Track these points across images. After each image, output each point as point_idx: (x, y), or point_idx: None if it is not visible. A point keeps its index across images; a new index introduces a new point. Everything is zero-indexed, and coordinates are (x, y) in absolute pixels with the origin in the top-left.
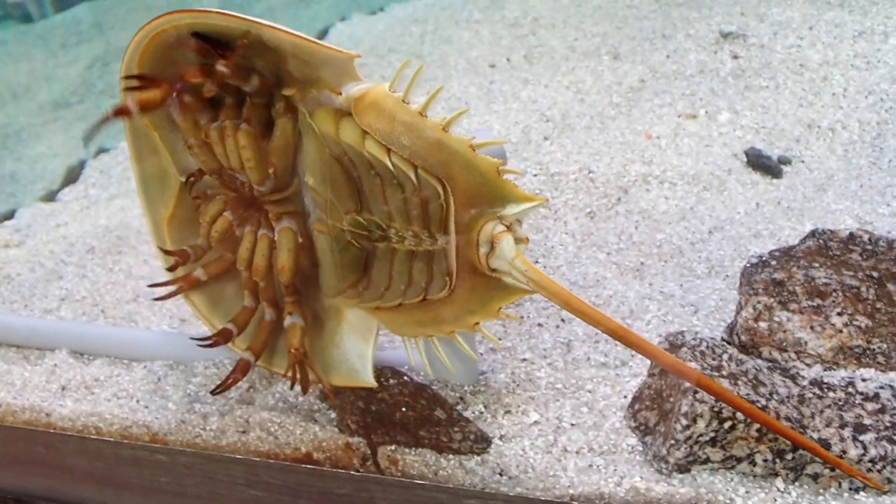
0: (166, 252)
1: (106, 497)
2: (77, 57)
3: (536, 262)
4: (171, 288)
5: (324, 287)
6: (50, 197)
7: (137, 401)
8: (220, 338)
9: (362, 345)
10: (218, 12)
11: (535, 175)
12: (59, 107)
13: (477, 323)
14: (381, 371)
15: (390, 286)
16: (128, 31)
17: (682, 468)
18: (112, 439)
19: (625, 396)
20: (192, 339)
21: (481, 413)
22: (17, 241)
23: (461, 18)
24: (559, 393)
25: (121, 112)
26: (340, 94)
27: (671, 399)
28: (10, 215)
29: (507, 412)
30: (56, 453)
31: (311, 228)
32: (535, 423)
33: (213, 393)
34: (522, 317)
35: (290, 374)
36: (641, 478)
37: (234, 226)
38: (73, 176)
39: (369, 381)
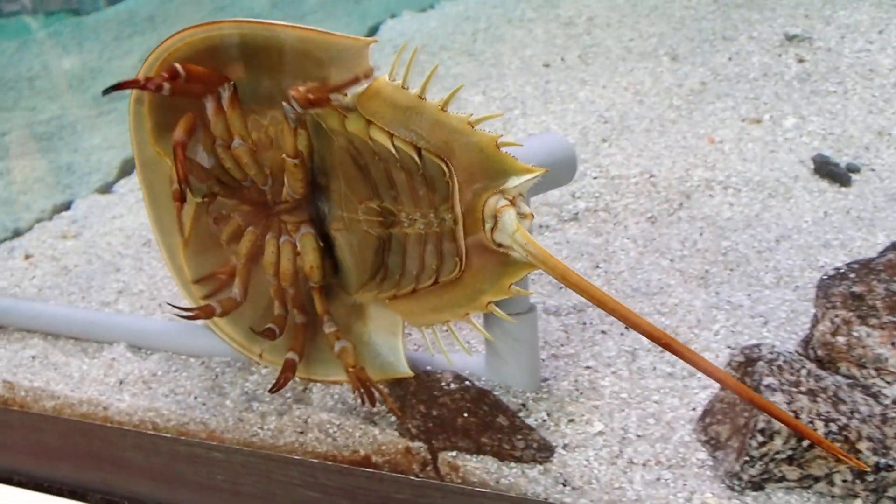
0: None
1: (161, 493)
2: (130, 49)
3: (597, 266)
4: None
5: (347, 285)
6: (106, 189)
7: (195, 397)
8: (268, 335)
9: (392, 338)
10: (232, 21)
11: (595, 178)
12: (113, 99)
13: (490, 302)
14: (441, 375)
15: (404, 272)
16: (180, 24)
17: (756, 486)
18: (169, 435)
19: (693, 409)
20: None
21: (544, 421)
22: (75, 232)
23: (514, 17)
24: (624, 403)
25: (170, 76)
26: (346, 94)
27: (745, 414)
28: (67, 206)
29: (571, 421)
30: (112, 447)
31: (329, 230)
32: (600, 433)
33: (270, 391)
34: (585, 323)
35: (356, 392)
36: (712, 494)
37: (258, 237)
38: (128, 168)
39: (405, 371)
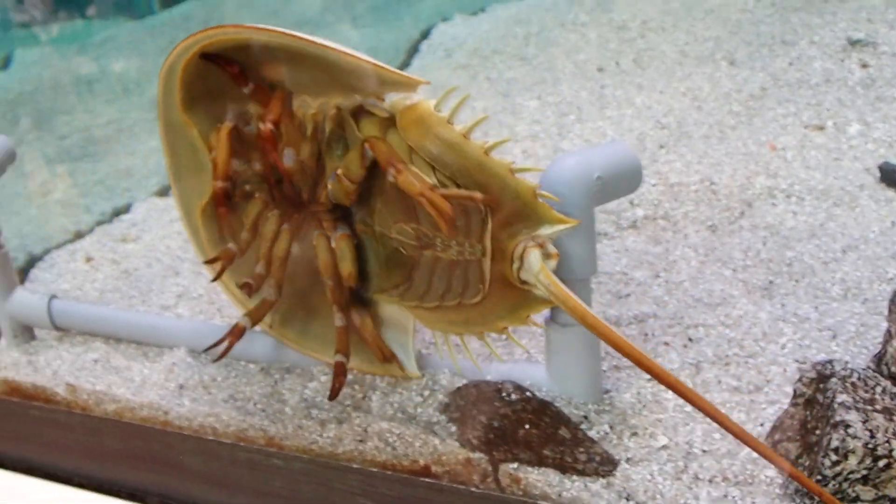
0: (211, 261)
1: (219, 498)
2: None
3: (657, 275)
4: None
5: (367, 283)
6: (164, 192)
7: (254, 403)
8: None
9: (402, 335)
10: (257, 28)
11: (654, 185)
12: None
13: (505, 327)
14: (502, 386)
15: (430, 290)
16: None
17: None
18: (228, 441)
19: (761, 424)
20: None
21: (606, 434)
22: (134, 235)
23: (567, 20)
24: (689, 416)
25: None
26: (384, 99)
27: (817, 431)
28: (126, 209)
29: (634, 434)
30: (172, 452)
31: (355, 228)
32: (664, 447)
33: (330, 399)
34: (647, 334)
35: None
36: None
37: (293, 235)
38: None
39: (413, 371)
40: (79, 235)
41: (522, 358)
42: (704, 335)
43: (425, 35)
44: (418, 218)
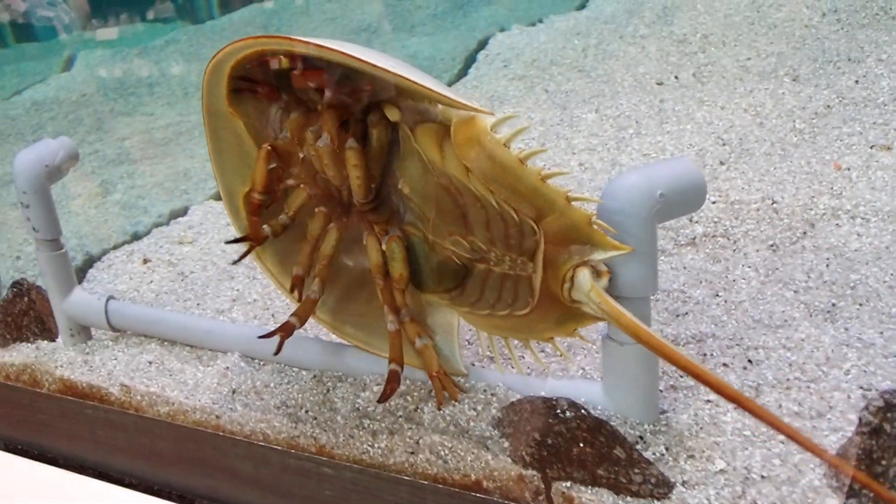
0: (232, 242)
1: None
2: None
3: (717, 294)
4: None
5: (417, 283)
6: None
7: (306, 411)
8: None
9: (448, 333)
10: (318, 46)
11: (714, 202)
12: None
13: (551, 337)
14: (557, 402)
15: (482, 299)
16: (294, 34)
17: None
18: (279, 447)
19: (823, 451)
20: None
21: (662, 455)
22: (191, 238)
23: (626, 33)
24: (747, 441)
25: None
26: (437, 108)
27: (883, 461)
28: (183, 212)
29: (691, 456)
30: (223, 456)
31: (405, 230)
32: (721, 471)
33: (379, 401)
34: (705, 354)
35: (437, 395)
36: None
37: (340, 235)
38: None
39: (459, 369)
40: (136, 237)
41: (577, 374)
42: (765, 357)
43: (483, 45)
44: (474, 231)
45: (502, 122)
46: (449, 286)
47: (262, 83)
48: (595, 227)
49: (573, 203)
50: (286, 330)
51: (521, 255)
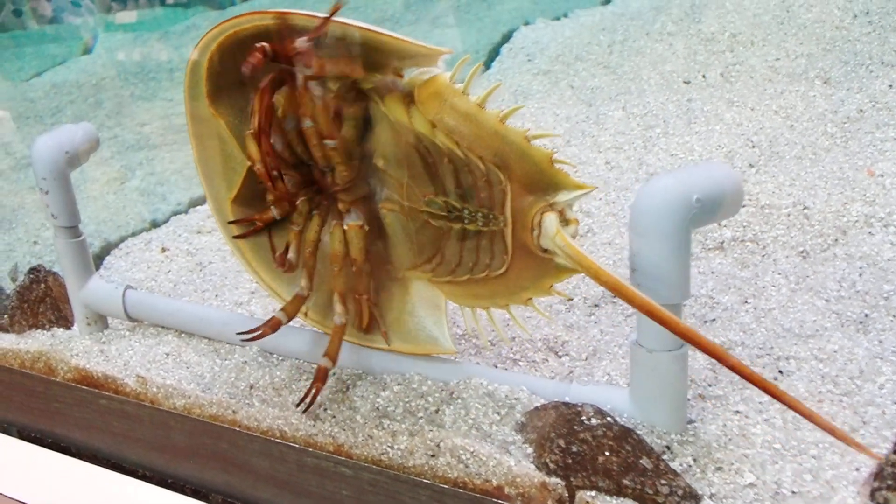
0: (234, 222)
1: (284, 502)
2: None
3: (746, 301)
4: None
5: (397, 262)
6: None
7: (325, 409)
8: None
9: (436, 312)
10: (300, 13)
11: (744, 205)
12: None
13: (530, 298)
14: (582, 408)
15: (461, 263)
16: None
17: None
18: (297, 445)
19: (857, 469)
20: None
21: (690, 466)
22: (210, 227)
23: (653, 30)
24: (777, 454)
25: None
26: (402, 76)
27: None
28: (202, 201)
29: (719, 469)
30: (239, 451)
31: (379, 208)
32: (751, 484)
33: (301, 408)
34: (730, 347)
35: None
36: None
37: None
38: None
39: (450, 347)
40: (154, 224)
41: (602, 380)
42: (796, 368)
43: (507, 38)
44: (445, 189)
45: (457, 71)
46: (429, 254)
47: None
48: (557, 166)
49: (533, 143)
50: (272, 326)
51: (491, 208)
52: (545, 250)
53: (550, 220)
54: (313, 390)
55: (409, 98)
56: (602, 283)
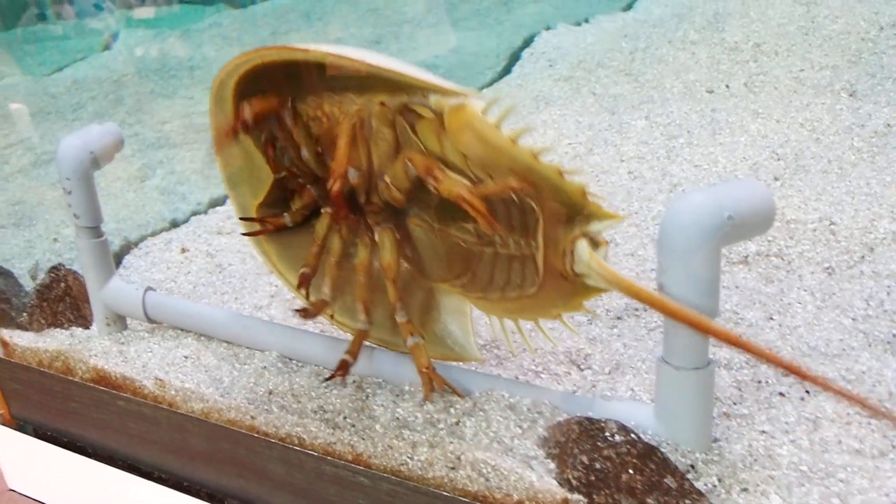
0: (251, 218)
1: None
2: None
3: (771, 317)
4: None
5: (428, 273)
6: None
7: (344, 417)
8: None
9: (461, 318)
10: (302, 49)
11: None
12: None
13: (559, 314)
14: (606, 424)
15: (492, 282)
16: (336, 23)
17: None
18: (315, 453)
19: (886, 494)
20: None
21: (714, 487)
22: (229, 228)
23: (675, 38)
24: (804, 476)
25: (236, 128)
26: (428, 96)
27: None
28: (222, 201)
29: (744, 490)
30: (256, 457)
31: (409, 223)
32: None
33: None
34: (760, 381)
35: (426, 390)
36: None
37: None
38: None
39: (475, 354)
40: (174, 224)
41: (626, 395)
42: (823, 389)
43: (528, 43)
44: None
45: (492, 104)
46: (458, 271)
47: (270, 94)
48: (589, 198)
49: (566, 176)
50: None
51: (523, 235)
52: (577, 274)
53: (582, 247)
54: (336, 375)
55: (438, 124)
56: (641, 299)
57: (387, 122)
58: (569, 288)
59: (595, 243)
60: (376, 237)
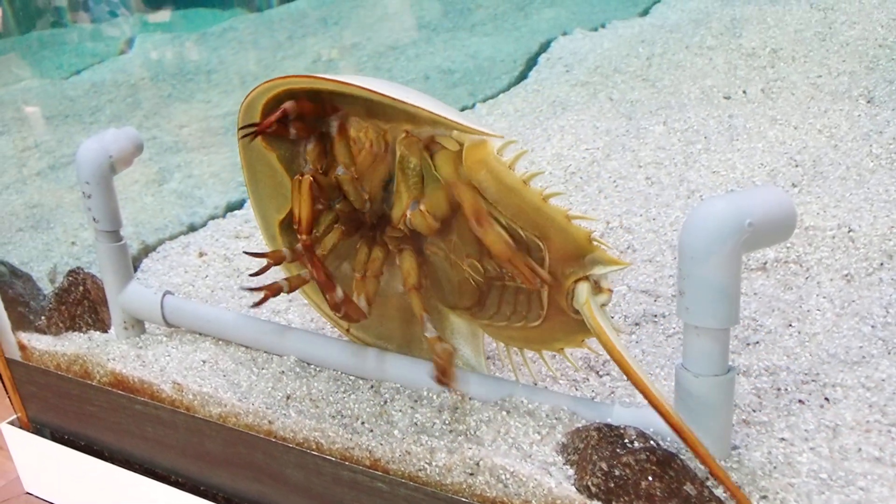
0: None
1: None
2: (303, 50)
3: (790, 324)
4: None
5: (440, 298)
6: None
7: (362, 422)
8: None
9: (473, 341)
10: (337, 82)
11: None
12: None
13: (562, 348)
14: (625, 431)
15: (499, 312)
16: (351, 28)
17: None
18: (333, 458)
19: None
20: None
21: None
22: (247, 232)
23: (692, 43)
24: (824, 484)
25: (275, 119)
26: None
27: None
28: (239, 205)
29: (764, 497)
30: (274, 462)
31: (425, 249)
32: None
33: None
34: (780, 388)
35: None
36: None
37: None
38: None
39: (483, 370)
40: (192, 228)
41: (644, 402)
42: (843, 396)
43: (544, 48)
44: (489, 253)
45: (505, 146)
46: (468, 303)
47: (294, 121)
48: (595, 243)
49: (573, 221)
50: (273, 290)
51: (528, 275)
52: (577, 312)
53: (581, 289)
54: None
55: (456, 157)
56: (613, 358)
57: (415, 152)
58: (572, 324)
59: (599, 289)
60: (397, 260)
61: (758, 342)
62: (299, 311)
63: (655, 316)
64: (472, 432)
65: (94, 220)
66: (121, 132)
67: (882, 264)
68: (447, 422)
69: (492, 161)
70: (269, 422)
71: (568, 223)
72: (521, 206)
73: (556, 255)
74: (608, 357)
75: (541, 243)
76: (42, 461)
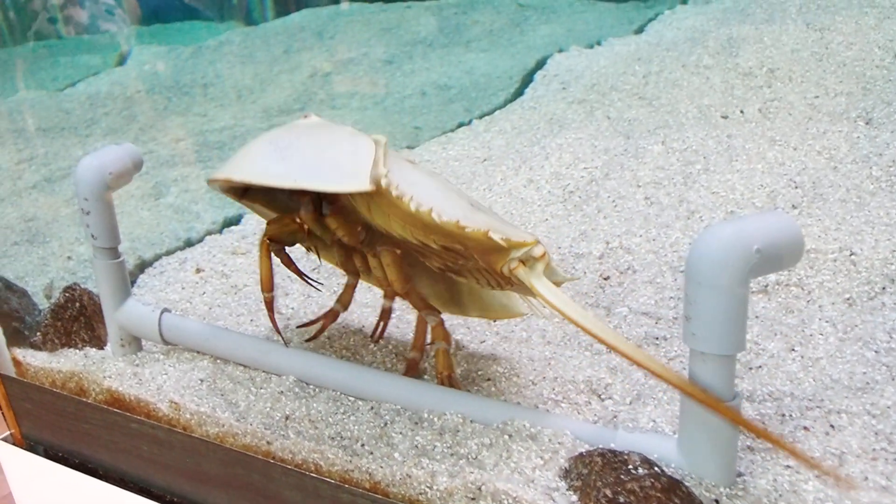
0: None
1: None
2: (299, 64)
3: (793, 349)
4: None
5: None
6: None
7: (362, 444)
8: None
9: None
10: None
11: None
12: (282, 112)
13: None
14: (629, 457)
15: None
16: (347, 42)
17: None
18: (332, 481)
19: None
20: None
21: None
22: (244, 249)
23: (689, 62)
24: None
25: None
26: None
27: None
28: (236, 220)
29: None
30: (272, 484)
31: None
32: None
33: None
34: (784, 414)
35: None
36: None
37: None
38: None
39: (520, 311)
40: (189, 243)
41: (648, 427)
42: (848, 423)
43: (540, 65)
44: (447, 261)
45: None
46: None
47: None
48: (493, 235)
49: (467, 228)
50: (331, 317)
51: (477, 267)
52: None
53: (522, 273)
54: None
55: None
56: (561, 314)
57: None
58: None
59: (533, 259)
60: (381, 258)
61: (760, 366)
62: (298, 330)
63: (657, 339)
64: (474, 456)
65: (93, 236)
66: (119, 148)
67: (884, 288)
68: (448, 445)
69: (385, 195)
70: (268, 442)
71: (463, 230)
72: (425, 226)
73: (477, 253)
74: (610, 381)
75: (461, 248)
76: (35, 478)
